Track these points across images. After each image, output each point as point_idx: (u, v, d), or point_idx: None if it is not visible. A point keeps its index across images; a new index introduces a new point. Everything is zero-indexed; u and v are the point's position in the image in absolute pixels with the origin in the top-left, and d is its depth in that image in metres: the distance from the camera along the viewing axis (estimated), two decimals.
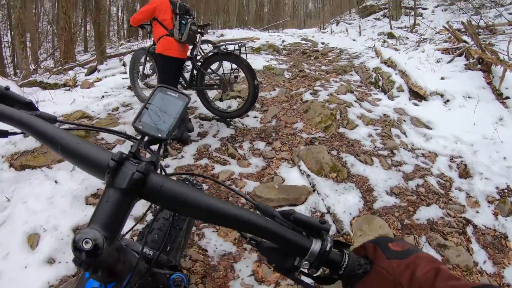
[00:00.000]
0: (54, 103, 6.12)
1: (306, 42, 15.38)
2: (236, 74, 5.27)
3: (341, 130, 5.24)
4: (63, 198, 3.59)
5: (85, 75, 10.16)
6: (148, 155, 0.86)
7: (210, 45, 8.59)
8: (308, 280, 0.78)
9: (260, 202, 0.83)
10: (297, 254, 0.74)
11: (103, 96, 6.76)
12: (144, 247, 1.15)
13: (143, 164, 0.77)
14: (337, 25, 20.65)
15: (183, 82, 5.38)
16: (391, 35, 13.38)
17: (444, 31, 10.70)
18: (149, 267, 0.99)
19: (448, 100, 6.34)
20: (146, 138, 0.87)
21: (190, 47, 5.19)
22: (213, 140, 5.01)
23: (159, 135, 0.85)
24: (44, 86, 7.91)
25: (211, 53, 5.34)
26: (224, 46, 5.32)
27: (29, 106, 1.02)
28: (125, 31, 28.65)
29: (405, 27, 14.51)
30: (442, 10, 15.68)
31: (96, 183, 3.81)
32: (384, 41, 12.08)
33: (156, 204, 0.80)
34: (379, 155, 4.75)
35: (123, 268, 0.83)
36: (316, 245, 0.72)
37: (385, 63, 8.31)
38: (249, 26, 28.81)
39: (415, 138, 5.34)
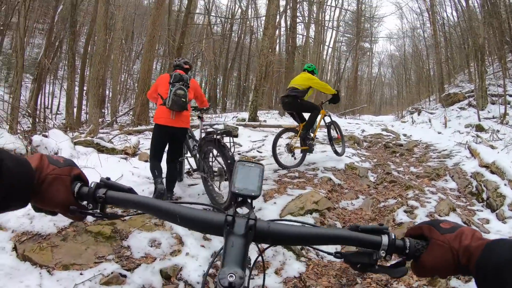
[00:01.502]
0: (99, 173, 5.00)
1: (388, 134, 14.09)
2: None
3: (453, 282, 3.56)
4: None
5: None
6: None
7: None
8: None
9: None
10: (374, 248, 0.88)
11: None
12: None
13: (252, 215, 0.90)
14: (418, 114, 19.04)
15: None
16: (480, 128, 11.80)
17: None
18: None
19: None
20: (239, 199, 0.98)
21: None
22: (275, 280, 3.52)
23: (253, 194, 0.95)
24: (101, 149, 7.11)
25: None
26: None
27: (131, 192, 1.02)
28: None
29: (493, 117, 12.83)
30: None
31: None
32: (478, 136, 10.43)
33: (267, 243, 0.93)
34: None
35: None
36: (385, 238, 0.87)
37: (486, 167, 6.73)
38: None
39: None
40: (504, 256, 0.67)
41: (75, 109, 17.52)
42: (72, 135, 8.52)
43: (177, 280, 3.28)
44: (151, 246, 3.66)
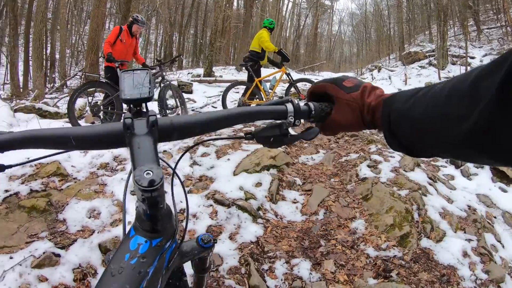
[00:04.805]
0: None
1: None
2: None
3: (425, 242, 3.31)
4: None
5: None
6: None
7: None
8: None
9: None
10: (282, 118, 0.89)
11: None
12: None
13: (150, 112, 0.82)
14: (378, 71, 18.80)
15: None
16: None
17: None
18: (182, 238, 0.96)
19: None
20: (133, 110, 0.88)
21: None
22: (229, 247, 3.09)
23: (146, 96, 0.87)
24: (43, 114, 6.68)
25: None
26: None
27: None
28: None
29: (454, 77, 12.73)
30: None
31: None
32: None
33: (173, 139, 0.85)
34: None
35: (167, 227, 0.80)
36: (289, 106, 0.88)
37: None
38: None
39: None
40: (399, 107, 0.72)
41: (22, 76, 16.60)
42: (14, 103, 8.04)
43: None
44: (90, 217, 3.24)
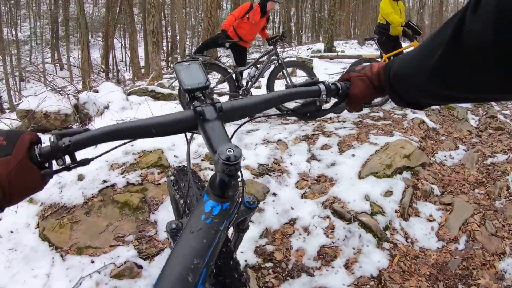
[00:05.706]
0: None
1: None
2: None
3: None
4: None
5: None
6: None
7: None
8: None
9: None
10: (316, 96, 1.07)
11: None
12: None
13: (213, 99, 0.96)
14: None
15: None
16: None
17: None
18: (241, 202, 1.03)
19: None
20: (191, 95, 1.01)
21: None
22: (343, 281, 2.42)
23: (205, 84, 0.99)
24: (156, 96, 6.75)
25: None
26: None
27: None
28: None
29: None
30: None
31: None
32: None
33: (234, 120, 0.99)
34: None
35: (233, 193, 0.91)
36: (322, 86, 1.07)
37: None
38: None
39: None
40: (395, 67, 0.89)
41: (143, 59, 17.92)
42: (130, 85, 8.60)
43: None
44: None
